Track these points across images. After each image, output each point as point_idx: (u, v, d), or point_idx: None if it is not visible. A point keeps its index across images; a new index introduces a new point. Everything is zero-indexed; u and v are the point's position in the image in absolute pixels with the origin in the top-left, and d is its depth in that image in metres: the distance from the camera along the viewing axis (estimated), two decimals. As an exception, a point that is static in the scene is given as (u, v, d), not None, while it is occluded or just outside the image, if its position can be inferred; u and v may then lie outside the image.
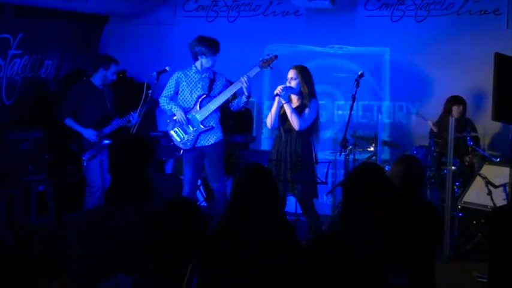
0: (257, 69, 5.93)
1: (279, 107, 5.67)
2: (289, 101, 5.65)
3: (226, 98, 5.96)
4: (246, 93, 5.88)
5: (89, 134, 6.34)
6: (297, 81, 5.64)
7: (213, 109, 5.98)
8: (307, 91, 5.65)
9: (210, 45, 5.99)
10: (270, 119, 5.74)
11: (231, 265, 2.88)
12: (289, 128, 5.67)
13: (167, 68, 6.09)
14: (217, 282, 2.85)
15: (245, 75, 5.84)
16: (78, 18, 7.32)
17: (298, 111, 5.64)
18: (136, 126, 5.88)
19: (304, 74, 5.67)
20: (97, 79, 6.45)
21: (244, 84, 5.82)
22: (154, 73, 5.99)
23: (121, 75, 7.20)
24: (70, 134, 6.41)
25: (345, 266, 2.21)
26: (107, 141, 6.38)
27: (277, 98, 5.64)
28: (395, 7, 7.47)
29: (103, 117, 6.45)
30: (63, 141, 6.54)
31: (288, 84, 5.65)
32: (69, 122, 6.37)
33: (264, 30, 7.78)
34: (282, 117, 5.70)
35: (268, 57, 5.92)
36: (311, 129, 5.72)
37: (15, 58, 6.59)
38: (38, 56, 6.90)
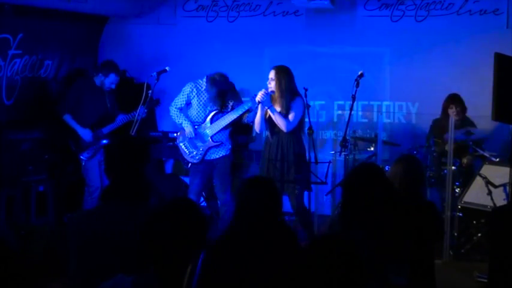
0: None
1: (263, 112, 5.67)
2: (272, 105, 5.63)
3: (237, 115, 5.93)
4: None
5: (85, 134, 6.35)
6: (275, 81, 5.63)
7: (223, 125, 5.95)
8: (283, 91, 5.59)
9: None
10: (256, 125, 5.76)
11: (236, 274, 2.87)
12: (278, 130, 5.68)
13: (167, 68, 6.08)
14: None
15: (255, 96, 5.76)
16: (78, 19, 7.32)
17: (284, 112, 5.62)
18: (136, 127, 5.88)
19: (280, 74, 5.62)
20: (98, 80, 6.45)
21: (254, 104, 5.75)
22: (155, 73, 5.99)
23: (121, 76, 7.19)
24: (69, 132, 6.42)
25: (346, 268, 2.20)
26: (105, 141, 6.38)
27: (260, 105, 5.63)
28: (395, 7, 7.46)
29: (102, 116, 6.45)
30: (63, 140, 6.54)
31: (268, 85, 5.63)
32: (68, 118, 6.37)
33: (264, 30, 7.77)
34: (270, 120, 5.70)
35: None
36: (299, 128, 5.73)
37: (15, 58, 6.59)
38: (38, 56, 6.90)
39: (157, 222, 2.27)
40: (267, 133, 5.78)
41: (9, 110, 6.63)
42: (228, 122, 5.96)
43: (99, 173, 6.42)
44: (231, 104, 6.01)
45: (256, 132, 6.07)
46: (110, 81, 6.42)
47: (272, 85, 5.63)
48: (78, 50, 7.57)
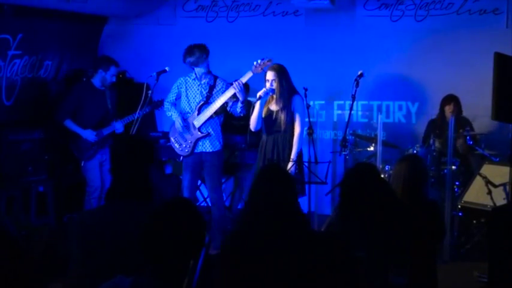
0: (250, 74, 5.87)
1: (261, 110, 5.67)
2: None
3: (220, 104, 5.96)
4: (240, 99, 5.89)
5: (88, 134, 6.35)
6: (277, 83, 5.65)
7: (208, 115, 6.00)
8: (284, 91, 5.64)
9: (199, 54, 5.96)
10: (252, 122, 5.74)
11: (254, 269, 2.78)
12: (274, 130, 5.68)
13: (167, 69, 6.09)
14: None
15: (237, 81, 5.84)
16: (78, 19, 7.32)
17: (282, 112, 5.63)
18: (136, 127, 5.88)
19: (280, 75, 5.64)
20: (97, 80, 6.45)
21: (236, 89, 5.81)
22: (154, 73, 6.00)
23: (121, 76, 7.20)
24: (69, 138, 6.42)
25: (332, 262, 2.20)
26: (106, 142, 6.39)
27: (258, 101, 5.63)
28: (395, 7, 7.46)
29: (103, 118, 6.45)
30: (63, 141, 6.54)
31: (269, 88, 5.65)
32: (69, 123, 6.37)
33: (263, 31, 7.77)
34: (265, 119, 5.72)
35: (261, 61, 5.84)
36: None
37: (15, 59, 6.58)
38: (38, 56, 6.90)
39: (157, 223, 2.27)
40: (264, 132, 5.78)
41: (9, 110, 6.63)
42: (213, 112, 5.99)
43: (99, 173, 6.43)
44: (220, 91, 6.03)
45: (251, 130, 6.00)
46: (111, 74, 6.42)
47: (274, 86, 5.64)
48: (78, 50, 7.57)
